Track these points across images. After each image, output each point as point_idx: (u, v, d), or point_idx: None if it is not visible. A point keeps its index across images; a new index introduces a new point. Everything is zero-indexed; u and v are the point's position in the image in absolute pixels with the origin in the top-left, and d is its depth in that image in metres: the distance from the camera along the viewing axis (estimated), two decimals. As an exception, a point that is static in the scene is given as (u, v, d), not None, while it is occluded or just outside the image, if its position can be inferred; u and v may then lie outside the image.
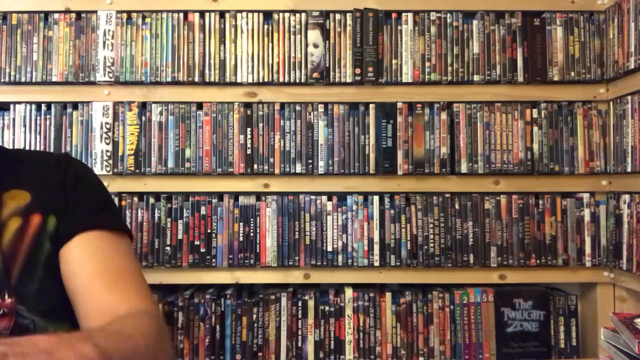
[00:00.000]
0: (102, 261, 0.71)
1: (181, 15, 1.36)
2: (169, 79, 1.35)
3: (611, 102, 1.34)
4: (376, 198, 1.34)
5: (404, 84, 1.36)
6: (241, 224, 1.34)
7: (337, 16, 1.36)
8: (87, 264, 0.69)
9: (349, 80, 1.35)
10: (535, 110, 1.36)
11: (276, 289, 1.36)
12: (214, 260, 1.33)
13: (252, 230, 1.34)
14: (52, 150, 1.33)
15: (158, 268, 1.32)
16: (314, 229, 1.34)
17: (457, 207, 1.34)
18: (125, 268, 0.73)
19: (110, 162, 1.34)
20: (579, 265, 1.34)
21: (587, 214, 1.34)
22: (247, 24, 1.36)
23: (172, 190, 1.35)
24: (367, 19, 1.35)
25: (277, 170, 1.34)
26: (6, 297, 0.63)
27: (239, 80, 1.35)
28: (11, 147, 1.33)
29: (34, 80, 1.35)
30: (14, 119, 1.34)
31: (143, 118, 1.35)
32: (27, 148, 1.33)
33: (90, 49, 1.36)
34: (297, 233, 1.34)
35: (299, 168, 1.34)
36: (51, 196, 0.71)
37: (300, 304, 1.33)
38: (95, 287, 0.68)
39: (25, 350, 0.42)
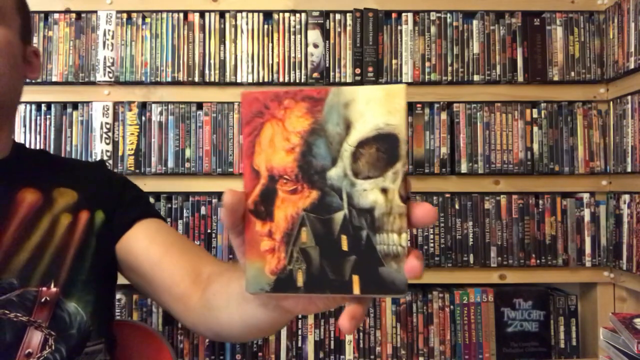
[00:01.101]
0: (169, 236, 0.77)
1: (181, 15, 1.36)
2: (169, 79, 1.35)
3: (611, 102, 1.34)
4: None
5: (404, 84, 1.36)
6: (241, 224, 1.34)
7: (337, 16, 1.36)
8: (157, 240, 0.75)
9: (349, 80, 1.35)
10: (535, 110, 1.36)
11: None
12: (214, 260, 1.33)
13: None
14: (52, 150, 1.34)
15: (158, 268, 1.32)
16: (314, 229, 1.34)
17: (457, 207, 1.34)
18: (187, 239, 0.83)
19: (110, 162, 1.34)
20: (579, 265, 1.34)
21: (587, 214, 1.34)
22: (247, 24, 1.36)
23: (172, 190, 1.35)
24: (367, 19, 1.35)
25: (277, 170, 1.34)
26: (52, 286, 0.66)
27: (239, 80, 1.35)
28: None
29: (33, 80, 1.34)
30: (14, 119, 1.34)
31: (143, 118, 1.35)
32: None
33: (90, 49, 1.36)
34: (297, 233, 1.33)
35: (299, 168, 1.34)
36: (99, 194, 0.76)
37: (300, 304, 1.33)
38: (174, 254, 0.74)
39: None
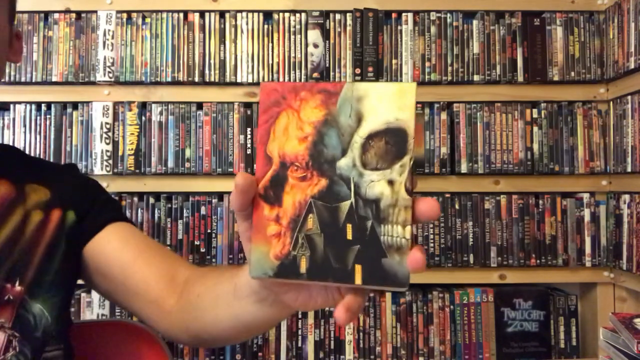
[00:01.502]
0: (142, 240, 0.75)
1: (181, 15, 1.36)
2: (169, 79, 1.35)
3: (611, 102, 1.34)
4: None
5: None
6: (241, 224, 1.34)
7: (337, 16, 1.36)
8: (130, 242, 0.73)
9: (349, 80, 1.35)
10: (535, 110, 1.36)
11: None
12: (214, 260, 1.33)
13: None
14: (52, 150, 1.34)
15: (158, 268, 1.32)
16: (314, 229, 1.34)
17: (457, 207, 1.34)
18: (161, 244, 0.82)
19: (110, 162, 1.34)
20: (579, 265, 1.34)
21: (587, 214, 1.34)
22: (247, 24, 1.36)
23: (172, 190, 1.35)
24: (367, 19, 1.35)
25: (277, 170, 1.34)
26: (17, 285, 0.64)
27: (239, 80, 1.35)
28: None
29: (34, 80, 1.35)
30: (14, 119, 1.34)
31: (143, 118, 1.35)
32: (27, 148, 1.33)
33: (90, 49, 1.36)
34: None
35: (299, 168, 1.34)
36: (72, 194, 0.74)
37: (300, 304, 1.33)
38: (148, 257, 0.72)
39: None
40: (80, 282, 0.76)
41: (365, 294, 0.42)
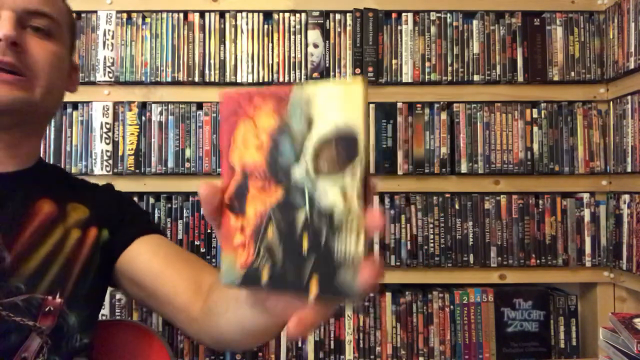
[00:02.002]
0: (170, 250, 0.80)
1: (181, 15, 1.36)
2: (169, 79, 1.35)
3: (611, 102, 1.34)
4: (376, 198, 1.34)
5: (404, 84, 1.36)
6: (241, 224, 1.34)
7: (337, 16, 1.36)
8: (158, 253, 0.78)
9: (349, 81, 1.35)
10: (535, 110, 1.36)
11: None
12: (214, 260, 1.33)
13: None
14: (52, 150, 1.34)
15: (158, 268, 1.32)
16: (314, 229, 1.34)
17: (457, 207, 1.34)
18: (188, 252, 0.86)
19: (110, 162, 1.34)
20: (579, 265, 1.34)
21: (587, 214, 1.34)
22: (247, 24, 1.36)
23: (172, 190, 1.35)
24: (367, 19, 1.35)
25: (277, 170, 1.34)
26: (57, 297, 0.68)
27: (239, 80, 1.35)
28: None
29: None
30: (14, 119, 1.34)
31: (143, 118, 1.35)
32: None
33: (90, 49, 1.36)
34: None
35: (299, 168, 1.34)
36: (107, 213, 0.80)
37: (300, 304, 1.33)
38: (176, 266, 0.77)
39: None
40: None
41: (329, 306, 0.41)
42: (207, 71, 1.35)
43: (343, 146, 0.38)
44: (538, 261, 1.33)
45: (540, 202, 1.35)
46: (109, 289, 1.31)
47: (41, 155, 1.28)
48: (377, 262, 0.37)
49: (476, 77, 1.36)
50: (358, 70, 1.35)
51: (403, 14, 1.36)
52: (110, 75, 1.34)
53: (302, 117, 0.39)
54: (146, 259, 0.77)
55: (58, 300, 0.68)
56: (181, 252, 0.82)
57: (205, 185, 0.42)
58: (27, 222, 0.70)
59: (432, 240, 1.34)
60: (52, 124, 1.34)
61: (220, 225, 0.43)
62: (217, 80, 1.35)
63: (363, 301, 1.33)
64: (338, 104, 0.38)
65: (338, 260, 0.37)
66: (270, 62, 1.36)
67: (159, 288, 0.75)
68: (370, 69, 1.35)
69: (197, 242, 1.33)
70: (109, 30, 1.35)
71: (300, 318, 0.39)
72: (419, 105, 1.36)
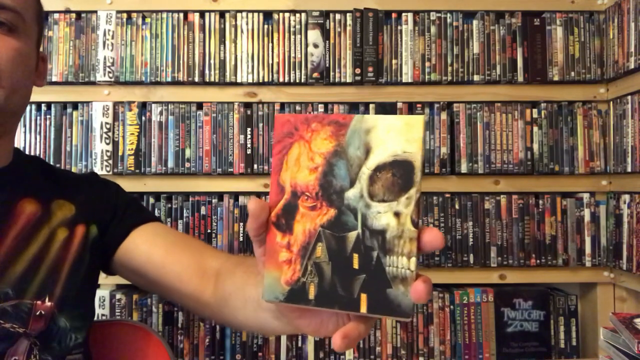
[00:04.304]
0: (168, 237, 0.78)
1: (181, 15, 1.36)
2: (169, 79, 1.35)
3: (611, 102, 1.34)
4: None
5: (404, 84, 1.36)
6: (241, 224, 1.34)
7: (337, 16, 1.36)
8: (157, 242, 0.77)
9: (349, 80, 1.35)
10: (535, 110, 1.36)
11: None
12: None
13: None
14: (52, 150, 1.34)
15: (158, 268, 1.32)
16: (314, 229, 1.34)
17: (457, 207, 1.34)
18: (187, 236, 0.85)
19: (110, 162, 1.34)
20: (579, 265, 1.34)
21: (587, 214, 1.34)
22: (247, 24, 1.36)
23: (172, 190, 1.35)
24: (367, 19, 1.35)
25: (277, 170, 1.34)
26: (47, 300, 0.67)
27: (239, 80, 1.35)
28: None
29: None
30: (14, 119, 1.34)
31: (143, 118, 1.35)
32: (27, 148, 1.33)
33: (90, 49, 1.36)
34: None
35: (299, 168, 1.34)
36: (94, 208, 0.77)
37: (300, 304, 1.33)
38: (176, 253, 0.75)
39: None
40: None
41: (369, 323, 0.43)
42: (207, 71, 1.35)
43: (399, 173, 0.40)
44: (538, 261, 1.33)
45: (540, 202, 1.35)
46: (109, 290, 1.31)
47: (40, 154, 1.28)
48: (428, 279, 0.39)
49: (476, 77, 1.36)
50: (358, 70, 1.35)
51: (403, 14, 1.36)
52: (110, 75, 1.34)
53: (361, 145, 0.41)
54: (145, 250, 0.76)
55: (48, 303, 0.66)
56: (181, 238, 0.80)
57: (255, 200, 0.43)
58: (10, 225, 0.68)
59: (432, 240, 1.34)
60: (52, 123, 1.34)
61: (262, 242, 0.44)
62: (217, 80, 1.35)
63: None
64: (398, 135, 0.40)
65: (389, 279, 0.40)
66: (270, 62, 1.36)
67: (163, 278, 0.74)
68: (370, 69, 1.35)
69: (197, 242, 1.33)
70: (109, 30, 1.35)
71: (346, 333, 0.41)
72: (419, 105, 1.36)
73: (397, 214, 0.40)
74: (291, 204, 0.43)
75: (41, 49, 0.78)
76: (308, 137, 0.43)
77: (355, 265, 0.41)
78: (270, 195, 0.44)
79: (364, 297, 0.40)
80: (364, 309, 0.40)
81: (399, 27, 1.37)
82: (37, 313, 0.65)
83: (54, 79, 1.35)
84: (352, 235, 0.41)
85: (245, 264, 0.66)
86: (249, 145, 1.35)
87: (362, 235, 0.41)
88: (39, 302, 0.66)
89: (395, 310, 0.39)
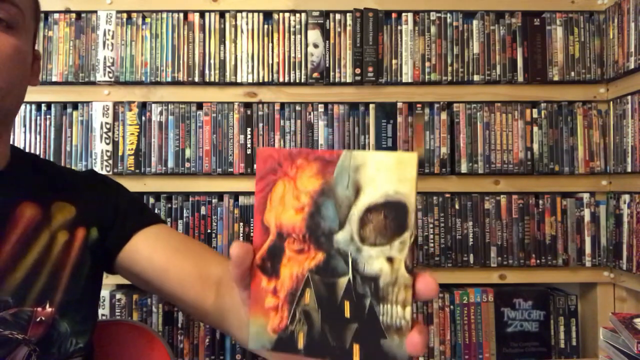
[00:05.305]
0: (170, 242, 0.76)
1: (181, 15, 1.36)
2: (169, 79, 1.35)
3: (611, 102, 1.34)
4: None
5: (404, 84, 1.36)
6: (241, 224, 1.34)
7: (337, 16, 1.36)
8: (158, 247, 0.75)
9: (349, 80, 1.35)
10: (535, 110, 1.36)
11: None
12: (214, 260, 1.33)
13: (252, 231, 1.34)
14: (52, 150, 1.34)
15: (158, 268, 1.32)
16: (314, 229, 1.34)
17: (457, 207, 1.34)
18: (190, 239, 0.82)
19: (110, 162, 1.34)
20: (579, 265, 1.34)
21: (587, 214, 1.34)
22: (247, 24, 1.36)
23: (172, 190, 1.35)
24: (367, 19, 1.35)
25: (277, 170, 1.34)
26: (47, 307, 0.65)
27: (239, 80, 1.35)
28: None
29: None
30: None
31: (143, 118, 1.35)
32: (27, 148, 1.33)
33: (90, 49, 1.36)
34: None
35: (299, 168, 1.34)
36: (95, 210, 0.75)
37: (300, 304, 1.33)
38: (179, 260, 0.74)
39: None
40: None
41: None
42: (207, 71, 1.35)
43: (392, 216, 0.37)
44: (538, 261, 1.33)
45: (540, 202, 1.35)
46: (109, 290, 1.31)
47: (40, 154, 1.28)
48: (424, 329, 0.37)
49: (476, 77, 1.36)
50: (358, 70, 1.35)
51: (403, 14, 1.36)
52: (110, 75, 1.34)
53: (350, 183, 0.39)
54: (147, 254, 0.74)
55: (48, 309, 0.65)
56: (183, 243, 0.78)
57: (239, 245, 0.40)
58: (10, 230, 0.66)
59: (432, 240, 1.34)
60: (52, 123, 1.34)
61: (247, 287, 0.42)
62: (217, 80, 1.35)
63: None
64: (389, 174, 0.37)
65: (383, 329, 0.37)
66: (270, 62, 1.36)
67: (165, 284, 0.73)
68: (370, 69, 1.35)
69: (197, 242, 1.33)
70: (109, 30, 1.35)
71: None
72: (419, 105, 1.36)
73: (390, 259, 0.37)
74: (277, 246, 0.40)
75: (36, 47, 0.76)
76: (293, 174, 0.40)
77: (347, 314, 0.38)
78: (254, 236, 0.41)
79: (356, 347, 0.38)
80: None
81: (399, 27, 1.37)
82: (37, 319, 0.64)
83: (54, 79, 1.35)
84: (343, 281, 0.39)
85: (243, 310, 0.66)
86: (249, 145, 1.35)
87: (354, 281, 0.38)
88: (39, 309, 0.65)
89: None
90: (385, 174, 0.37)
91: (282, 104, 1.36)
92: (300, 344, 0.39)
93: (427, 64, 1.36)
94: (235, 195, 1.36)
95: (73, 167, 1.34)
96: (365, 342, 0.38)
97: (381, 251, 0.38)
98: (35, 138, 1.35)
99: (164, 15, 1.36)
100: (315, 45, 1.35)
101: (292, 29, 1.36)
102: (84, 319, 0.70)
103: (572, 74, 1.36)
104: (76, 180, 0.79)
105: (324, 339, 0.39)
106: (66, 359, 0.67)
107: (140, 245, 0.75)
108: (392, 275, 0.37)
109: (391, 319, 0.37)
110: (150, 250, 0.75)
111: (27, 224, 0.68)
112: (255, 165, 1.33)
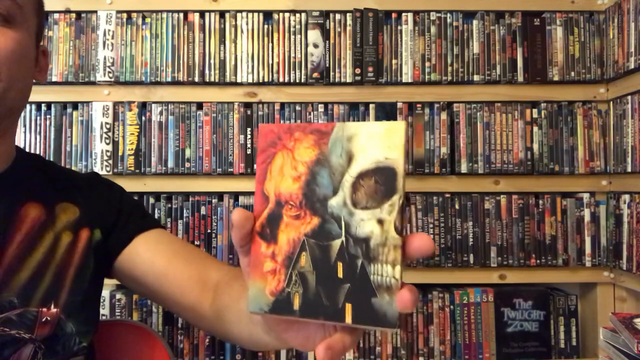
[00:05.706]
0: (171, 246, 0.77)
1: (181, 15, 1.36)
2: (169, 79, 1.35)
3: (611, 102, 1.34)
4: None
5: (404, 84, 1.36)
6: (241, 224, 1.34)
7: (337, 16, 1.36)
8: (159, 251, 0.76)
9: (349, 80, 1.35)
10: (535, 110, 1.36)
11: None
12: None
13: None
14: (52, 150, 1.34)
15: (158, 268, 1.32)
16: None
17: (457, 207, 1.34)
18: (189, 245, 0.83)
19: (110, 162, 1.34)
20: (579, 265, 1.34)
21: (587, 214, 1.34)
22: (247, 24, 1.36)
23: (172, 190, 1.35)
24: (367, 19, 1.35)
25: (277, 170, 1.34)
26: (52, 307, 0.66)
27: (239, 80, 1.35)
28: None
29: (34, 80, 1.34)
30: (14, 119, 1.34)
31: (143, 118, 1.35)
32: (27, 148, 1.33)
33: (90, 49, 1.36)
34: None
35: (299, 168, 1.34)
36: (99, 212, 0.75)
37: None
38: (179, 264, 0.74)
39: None
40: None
41: (356, 335, 0.42)
42: (207, 71, 1.35)
43: (382, 181, 0.39)
44: (538, 261, 1.33)
45: (540, 202, 1.35)
46: (109, 290, 1.31)
47: (40, 154, 1.28)
48: (413, 288, 0.38)
49: (476, 77, 1.36)
50: (358, 70, 1.35)
51: (403, 14, 1.36)
52: (110, 75, 1.34)
53: (343, 152, 0.41)
54: (146, 258, 0.75)
55: (53, 310, 0.66)
56: (182, 246, 0.79)
57: (239, 211, 0.42)
58: (15, 231, 0.66)
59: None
60: (52, 123, 1.34)
61: (247, 252, 0.44)
62: (217, 80, 1.35)
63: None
64: (379, 141, 0.40)
65: (374, 287, 0.39)
66: (270, 62, 1.36)
67: (163, 288, 0.73)
68: (370, 69, 1.35)
69: (197, 242, 1.33)
70: (109, 30, 1.35)
71: (329, 344, 0.40)
72: (419, 105, 1.36)
73: (380, 222, 0.39)
74: (275, 214, 0.43)
75: (42, 44, 0.76)
76: (291, 146, 0.43)
77: (340, 274, 0.40)
78: (254, 205, 0.44)
79: (348, 306, 0.40)
80: (348, 319, 0.39)
81: (399, 27, 1.37)
82: (43, 319, 0.65)
83: (54, 78, 1.35)
84: (336, 244, 0.41)
85: (241, 273, 0.67)
86: (249, 145, 1.35)
87: (346, 243, 0.40)
88: (44, 309, 0.65)
89: (381, 320, 0.38)
90: (376, 142, 0.40)
91: (282, 104, 1.36)
92: (296, 305, 0.41)
93: (427, 64, 1.36)
94: (235, 195, 1.36)
95: (73, 167, 1.34)
96: (357, 301, 0.39)
97: (372, 214, 0.39)
98: (35, 138, 1.35)
99: (164, 15, 1.36)
100: (315, 45, 1.35)
101: (292, 29, 1.36)
102: (87, 319, 0.70)
103: (572, 74, 1.36)
104: (79, 181, 0.79)
105: (318, 300, 0.41)
106: (71, 357, 0.68)
107: (140, 248, 0.76)
108: (382, 237, 0.39)
109: (382, 278, 0.39)
110: (150, 253, 0.75)
111: (31, 224, 0.68)
112: (254, 165, 1.33)
